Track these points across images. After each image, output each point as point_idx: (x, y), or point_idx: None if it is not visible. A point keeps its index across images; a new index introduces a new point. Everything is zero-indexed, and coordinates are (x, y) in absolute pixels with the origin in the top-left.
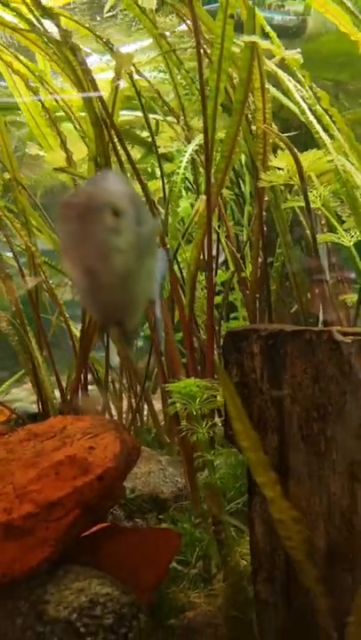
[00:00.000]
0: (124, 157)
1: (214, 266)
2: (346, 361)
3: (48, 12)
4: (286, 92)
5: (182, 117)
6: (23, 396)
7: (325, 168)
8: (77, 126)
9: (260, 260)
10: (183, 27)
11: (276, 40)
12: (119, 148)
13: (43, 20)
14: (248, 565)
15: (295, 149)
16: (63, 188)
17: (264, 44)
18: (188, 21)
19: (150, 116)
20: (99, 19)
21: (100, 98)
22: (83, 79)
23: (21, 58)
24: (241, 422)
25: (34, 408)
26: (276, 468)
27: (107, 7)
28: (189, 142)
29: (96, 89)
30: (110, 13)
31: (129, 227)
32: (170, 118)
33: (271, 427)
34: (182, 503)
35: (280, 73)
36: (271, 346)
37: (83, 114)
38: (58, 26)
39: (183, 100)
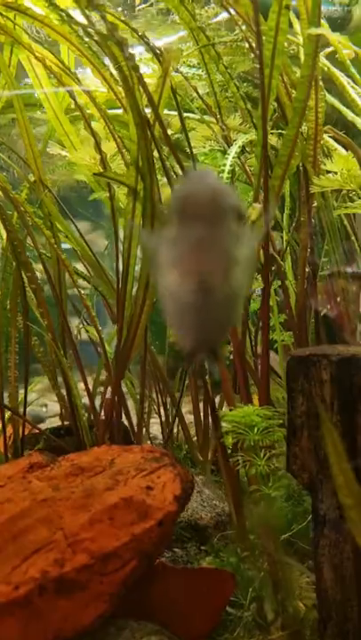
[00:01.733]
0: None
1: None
2: None
3: (94, 4)
4: (341, 90)
5: (218, 116)
6: (30, 399)
7: None
8: (108, 124)
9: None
10: (218, 18)
11: (332, 33)
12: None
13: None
14: (309, 612)
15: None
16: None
17: (333, 36)
18: (233, 11)
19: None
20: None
21: (150, 98)
22: (129, 76)
23: (46, 52)
24: (344, 476)
25: (44, 411)
26: None
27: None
28: (227, 142)
29: (145, 87)
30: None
31: (246, 236)
32: (206, 117)
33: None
34: (225, 533)
35: (333, 69)
36: (343, 373)
37: (113, 111)
38: (104, 18)
39: (219, 97)
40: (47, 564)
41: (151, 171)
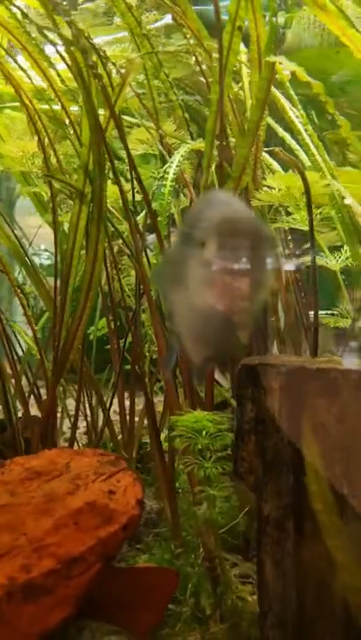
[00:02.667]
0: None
1: None
2: None
3: (58, 8)
4: (281, 111)
5: (157, 122)
6: None
7: (322, 192)
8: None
9: None
10: (158, 24)
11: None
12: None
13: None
14: (246, 606)
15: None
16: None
17: (291, 65)
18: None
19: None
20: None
21: (109, 103)
22: (89, 83)
23: None
24: (318, 484)
25: None
26: (291, 506)
27: None
28: (163, 146)
29: (107, 97)
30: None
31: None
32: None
33: (287, 465)
34: (158, 530)
35: (273, 91)
36: (292, 383)
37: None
38: (71, 24)
39: (157, 104)
40: (14, 570)
41: (101, 175)
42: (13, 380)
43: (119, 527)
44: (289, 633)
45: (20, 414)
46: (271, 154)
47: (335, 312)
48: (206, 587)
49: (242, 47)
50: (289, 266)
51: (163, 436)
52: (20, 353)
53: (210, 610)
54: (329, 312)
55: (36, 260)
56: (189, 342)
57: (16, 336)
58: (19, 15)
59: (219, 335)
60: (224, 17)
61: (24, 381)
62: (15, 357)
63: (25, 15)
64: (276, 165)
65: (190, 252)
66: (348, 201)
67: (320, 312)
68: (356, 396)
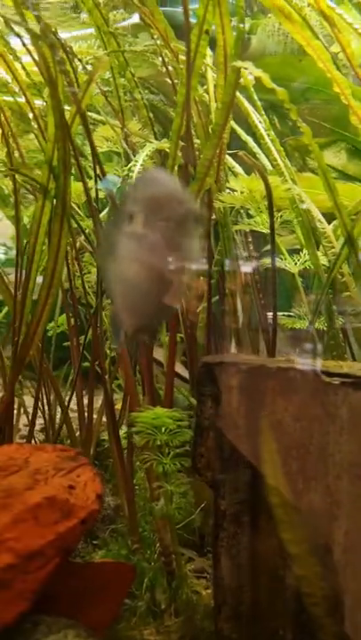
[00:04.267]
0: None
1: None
2: (332, 402)
3: (29, 3)
4: (244, 115)
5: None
6: None
7: (283, 196)
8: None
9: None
10: (125, 23)
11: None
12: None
13: None
14: (200, 600)
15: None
16: None
17: (256, 71)
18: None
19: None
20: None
21: (76, 100)
22: (55, 78)
23: None
24: (275, 479)
25: None
26: (247, 502)
27: None
28: (128, 145)
29: (74, 95)
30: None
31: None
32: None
33: (244, 461)
34: (115, 527)
35: (238, 95)
36: (251, 381)
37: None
38: (38, 18)
39: (122, 102)
40: None
41: (66, 171)
42: None
43: (78, 521)
44: (243, 625)
45: None
46: (234, 157)
47: (292, 314)
48: (162, 581)
49: (208, 51)
50: (248, 267)
51: (121, 432)
52: None
53: (165, 604)
54: (286, 314)
55: None
56: (120, 312)
57: None
58: None
59: (144, 305)
60: (192, 20)
61: None
62: None
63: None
64: (238, 168)
65: (121, 226)
66: (305, 205)
67: (278, 313)
68: (313, 395)
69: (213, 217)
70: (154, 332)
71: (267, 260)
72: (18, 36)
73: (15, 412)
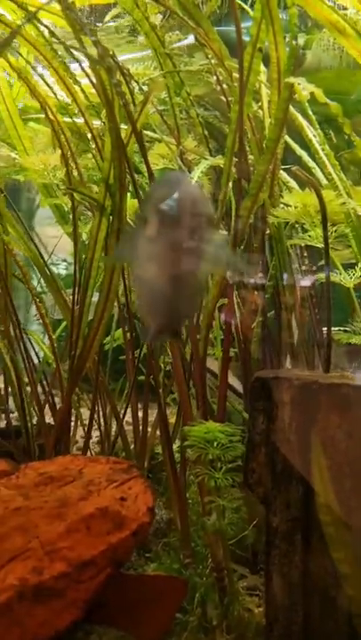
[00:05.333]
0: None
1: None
2: None
3: (85, 28)
4: (299, 130)
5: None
6: None
7: (337, 210)
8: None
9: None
10: (181, 44)
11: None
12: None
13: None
14: (252, 617)
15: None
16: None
17: (309, 87)
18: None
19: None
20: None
21: (132, 120)
22: (112, 100)
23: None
24: (325, 497)
25: None
26: (299, 519)
27: (109, 16)
28: (183, 161)
29: (129, 114)
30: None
31: (214, 238)
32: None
33: (296, 478)
34: (168, 540)
35: (292, 110)
36: (303, 397)
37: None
38: (96, 43)
39: (178, 120)
40: (25, 571)
41: (122, 189)
42: (29, 388)
43: (130, 533)
44: None
45: (34, 421)
46: (288, 171)
47: (348, 328)
48: (214, 597)
49: (262, 67)
50: (304, 282)
51: (175, 446)
52: (36, 361)
53: (217, 620)
54: (342, 328)
55: (55, 270)
56: (141, 312)
57: (32, 344)
58: (46, 33)
59: (162, 306)
60: (245, 38)
61: (39, 389)
62: (31, 365)
63: (52, 34)
64: (293, 183)
65: (139, 230)
66: None
67: (333, 328)
68: None
69: (268, 231)
70: (175, 331)
71: (322, 275)
72: (76, 60)
73: (72, 423)
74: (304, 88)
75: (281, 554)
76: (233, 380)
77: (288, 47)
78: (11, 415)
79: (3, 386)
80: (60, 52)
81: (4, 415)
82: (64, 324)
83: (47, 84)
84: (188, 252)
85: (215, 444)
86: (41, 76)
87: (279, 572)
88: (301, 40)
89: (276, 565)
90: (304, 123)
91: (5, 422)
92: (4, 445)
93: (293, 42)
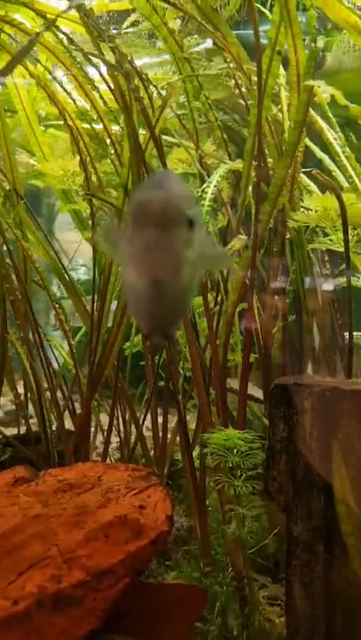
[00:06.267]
0: None
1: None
2: None
3: (103, 35)
4: (319, 133)
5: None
6: None
7: (358, 213)
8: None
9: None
10: (199, 48)
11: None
12: None
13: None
14: (274, 628)
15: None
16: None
17: (329, 89)
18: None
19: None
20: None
21: (150, 125)
22: (130, 106)
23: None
24: (345, 506)
25: None
26: (321, 529)
27: (127, 23)
28: (202, 166)
29: (147, 119)
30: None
31: (197, 238)
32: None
33: (318, 487)
34: (187, 548)
35: (312, 112)
36: (325, 404)
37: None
38: (114, 49)
39: (197, 124)
40: (44, 579)
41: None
42: (49, 394)
43: (148, 542)
44: None
45: (54, 427)
46: (309, 175)
47: None
48: (234, 606)
49: (281, 70)
50: (325, 286)
51: (195, 453)
52: (56, 366)
53: (237, 630)
54: None
55: (74, 275)
56: (133, 315)
57: (52, 350)
58: (64, 40)
59: (145, 309)
60: (263, 41)
61: (59, 395)
62: (51, 371)
63: (71, 41)
64: (313, 186)
65: (122, 233)
66: None
67: (355, 333)
68: None
69: (288, 236)
70: (166, 334)
71: (343, 279)
72: (95, 66)
73: (92, 429)
74: (324, 90)
75: (302, 564)
76: (253, 390)
77: (307, 50)
78: (30, 421)
79: (22, 392)
80: (78, 59)
81: (23, 421)
82: (83, 329)
83: (66, 91)
84: (164, 253)
85: (235, 451)
86: (60, 83)
87: (301, 583)
88: (321, 42)
89: (298, 575)
90: (324, 125)
91: (25, 428)
92: (23, 452)
93: (313, 44)
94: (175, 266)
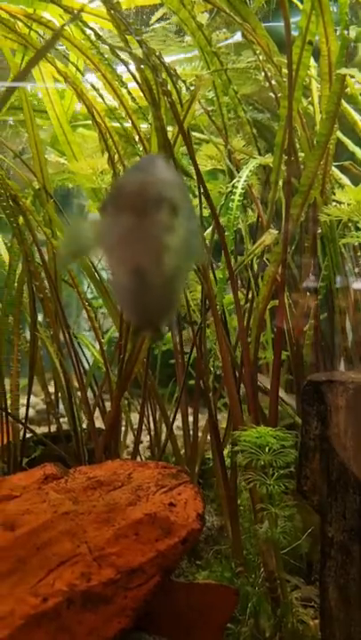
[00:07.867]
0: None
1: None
2: None
3: (130, 29)
4: (352, 125)
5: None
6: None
7: None
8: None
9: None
10: (228, 42)
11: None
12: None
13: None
14: (307, 630)
15: None
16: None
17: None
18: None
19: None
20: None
21: (178, 119)
22: (158, 100)
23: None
24: None
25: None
26: (356, 530)
27: (155, 17)
28: (231, 162)
29: (176, 113)
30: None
31: (182, 224)
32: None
33: (353, 486)
34: (219, 547)
35: (344, 105)
36: (359, 400)
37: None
38: (142, 43)
39: (226, 120)
40: (74, 577)
41: None
42: (79, 392)
43: (179, 540)
44: None
45: (84, 425)
46: (341, 169)
47: None
48: (266, 608)
49: (312, 62)
50: (357, 285)
51: (226, 451)
52: (86, 365)
53: (270, 632)
54: None
55: (104, 275)
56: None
57: (82, 349)
58: (92, 37)
59: (131, 299)
60: (294, 33)
61: (89, 393)
62: (81, 370)
63: (98, 36)
64: (345, 179)
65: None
66: None
67: None
68: None
69: (319, 231)
70: (155, 327)
71: None
72: (123, 62)
73: (123, 428)
74: (357, 80)
75: (337, 565)
76: (283, 395)
77: (339, 39)
78: (61, 420)
79: (53, 390)
80: (106, 56)
81: (54, 420)
82: (112, 328)
83: (94, 88)
84: (143, 239)
85: (267, 449)
86: (91, 84)
87: (335, 585)
88: (353, 33)
89: (332, 577)
90: (357, 117)
91: (56, 427)
92: (54, 450)
93: (345, 32)
94: (156, 253)
